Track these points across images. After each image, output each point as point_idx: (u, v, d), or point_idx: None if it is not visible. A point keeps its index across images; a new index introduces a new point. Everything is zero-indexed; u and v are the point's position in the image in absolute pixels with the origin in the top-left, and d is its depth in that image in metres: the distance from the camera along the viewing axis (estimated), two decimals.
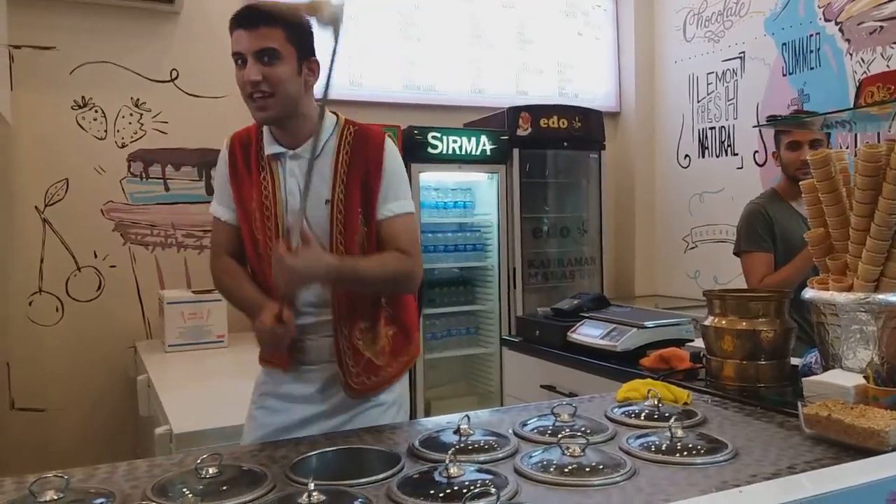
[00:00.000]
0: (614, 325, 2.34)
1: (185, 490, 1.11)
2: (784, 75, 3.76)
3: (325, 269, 1.47)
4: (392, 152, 1.64)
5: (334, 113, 1.68)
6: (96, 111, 3.41)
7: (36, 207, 3.31)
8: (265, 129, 1.63)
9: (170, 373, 2.74)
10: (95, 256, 3.42)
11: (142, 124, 3.49)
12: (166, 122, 3.53)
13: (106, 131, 3.43)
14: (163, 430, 1.94)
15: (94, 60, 3.39)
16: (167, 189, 3.55)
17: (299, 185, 1.54)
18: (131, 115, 3.47)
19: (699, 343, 2.01)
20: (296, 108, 1.56)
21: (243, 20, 1.50)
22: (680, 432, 1.28)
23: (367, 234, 1.61)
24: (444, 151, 3.75)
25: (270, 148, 1.61)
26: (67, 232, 3.36)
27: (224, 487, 1.12)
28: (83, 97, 3.38)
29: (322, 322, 1.62)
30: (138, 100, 3.48)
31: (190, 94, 3.56)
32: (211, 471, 1.14)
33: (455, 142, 3.79)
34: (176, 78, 3.55)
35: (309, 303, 1.61)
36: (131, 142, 3.48)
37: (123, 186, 3.46)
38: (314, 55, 1.58)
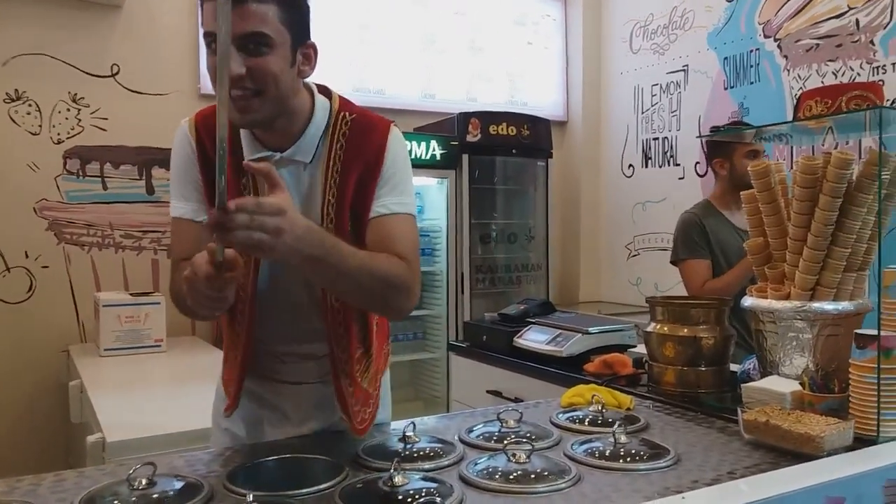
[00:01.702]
0: (559, 331, 2.36)
1: (115, 502, 1.06)
2: (725, 89, 3.86)
3: (305, 228, 1.07)
4: (396, 146, 1.33)
5: (325, 94, 1.34)
6: (30, 105, 3.27)
7: None
8: None
9: (104, 378, 2.63)
10: (27, 256, 3.27)
11: (79, 120, 3.36)
12: (106, 119, 3.40)
13: (40, 126, 3.29)
14: (95, 438, 1.85)
15: (28, 52, 3.24)
16: (105, 188, 3.42)
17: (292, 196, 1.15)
18: (68, 110, 3.34)
19: (642, 349, 2.04)
20: (286, 106, 1.24)
21: None
22: (623, 438, 1.29)
23: (355, 240, 1.27)
24: None
25: (251, 152, 1.28)
26: None
27: (157, 498, 1.07)
28: (16, 90, 3.23)
29: (309, 354, 1.40)
30: (76, 94, 3.35)
31: (131, 91, 3.45)
32: (143, 482, 1.09)
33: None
34: (117, 73, 3.43)
35: (295, 334, 1.39)
36: (68, 138, 3.34)
37: (59, 184, 3.32)
38: (310, 38, 1.25)
